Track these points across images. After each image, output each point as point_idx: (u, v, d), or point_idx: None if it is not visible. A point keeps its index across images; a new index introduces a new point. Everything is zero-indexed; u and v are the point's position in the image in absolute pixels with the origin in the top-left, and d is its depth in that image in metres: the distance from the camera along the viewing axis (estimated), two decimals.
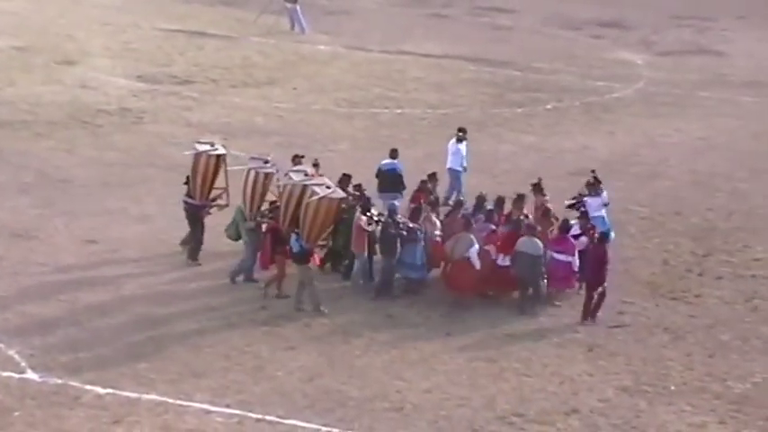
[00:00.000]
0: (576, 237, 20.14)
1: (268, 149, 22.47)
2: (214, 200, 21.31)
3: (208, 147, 21.33)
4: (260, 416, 16.35)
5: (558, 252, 19.87)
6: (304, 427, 16.12)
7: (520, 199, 20.82)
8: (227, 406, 16.56)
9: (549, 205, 20.92)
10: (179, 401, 16.60)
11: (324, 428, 16.10)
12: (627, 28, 42.14)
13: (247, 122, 29.98)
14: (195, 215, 21.18)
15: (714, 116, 31.97)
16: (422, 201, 20.85)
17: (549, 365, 17.99)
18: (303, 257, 19.43)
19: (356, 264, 20.47)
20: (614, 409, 16.77)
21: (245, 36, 37.97)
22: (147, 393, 16.78)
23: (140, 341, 18.38)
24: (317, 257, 20.07)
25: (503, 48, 38.62)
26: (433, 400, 16.89)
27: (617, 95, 33.59)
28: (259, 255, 20.40)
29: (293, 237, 19.38)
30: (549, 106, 32.24)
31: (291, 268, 19.75)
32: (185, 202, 21.30)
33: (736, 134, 30.33)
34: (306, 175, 20.28)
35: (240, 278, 20.54)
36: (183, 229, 21.50)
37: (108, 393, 16.74)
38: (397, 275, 20.22)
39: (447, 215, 20.91)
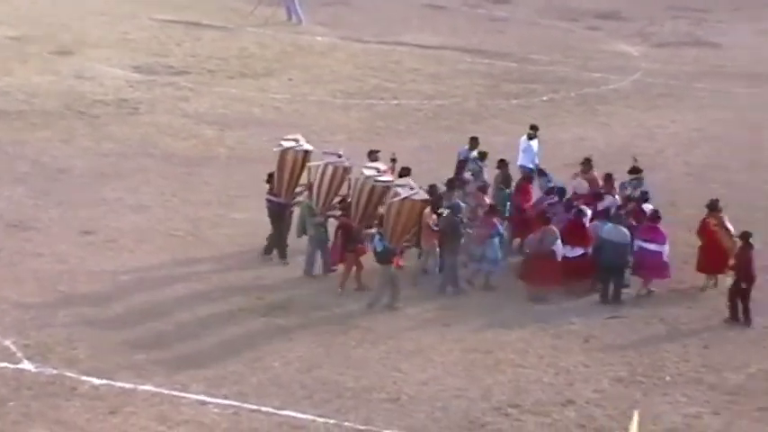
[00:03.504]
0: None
1: (337, 146, 22.31)
2: (294, 197, 20.93)
3: (293, 143, 21.00)
4: (256, 407, 16.38)
5: (646, 241, 19.90)
6: (300, 418, 16.16)
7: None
8: (224, 397, 16.59)
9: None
10: (175, 392, 16.63)
11: (320, 419, 16.14)
12: (623, 19, 42.10)
13: (244, 113, 29.96)
14: (280, 213, 20.87)
15: (709, 108, 31.98)
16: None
17: (545, 356, 18.04)
18: (387, 257, 19.37)
19: (429, 260, 20.37)
20: (610, 400, 16.82)
21: (241, 27, 37.90)
22: (144, 384, 16.81)
23: (137, 332, 18.41)
24: (399, 259, 19.77)
25: (499, 39, 38.58)
26: (430, 391, 16.93)
27: (613, 87, 33.57)
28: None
29: (377, 236, 19.35)
30: (545, 98, 32.23)
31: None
32: (269, 201, 20.93)
33: (731, 126, 30.35)
34: (378, 171, 20.19)
35: (317, 271, 20.31)
36: (177, 218, 21.48)
37: (104, 384, 16.78)
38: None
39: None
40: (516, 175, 22.70)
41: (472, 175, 22.24)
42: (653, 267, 20.07)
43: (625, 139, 28.89)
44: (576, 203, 20.80)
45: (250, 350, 17.95)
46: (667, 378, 17.48)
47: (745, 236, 19.41)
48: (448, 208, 20.16)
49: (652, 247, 19.94)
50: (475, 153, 22.93)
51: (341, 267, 20.17)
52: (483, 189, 21.42)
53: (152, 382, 16.87)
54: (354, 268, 19.98)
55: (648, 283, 20.21)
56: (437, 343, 18.37)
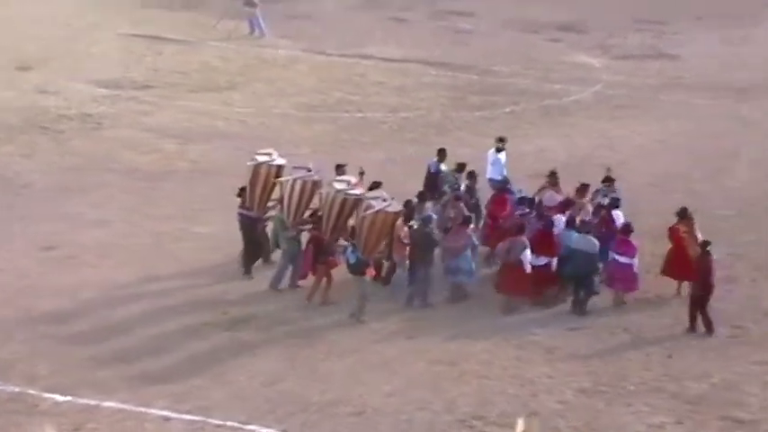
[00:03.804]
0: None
1: (305, 160, 22.35)
2: (267, 211, 20.99)
3: (267, 157, 21.05)
4: (221, 421, 16.32)
5: (619, 254, 20.07)
6: None
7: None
8: (188, 412, 16.52)
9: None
10: (139, 408, 16.54)
11: None
12: (585, 31, 42.36)
13: (208, 127, 29.90)
14: (252, 227, 20.91)
15: (671, 118, 32.23)
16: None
17: (509, 368, 18.08)
18: (360, 269, 19.40)
19: (398, 271, 20.43)
20: (573, 411, 16.88)
21: (203, 41, 37.84)
22: (107, 400, 16.70)
23: (100, 348, 18.30)
24: (372, 269, 19.92)
25: (463, 51, 38.73)
26: (395, 403, 16.93)
27: (575, 98, 33.78)
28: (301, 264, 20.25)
29: (349, 248, 19.39)
30: (507, 109, 32.38)
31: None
32: (241, 215, 20.96)
33: (693, 136, 30.60)
34: (348, 184, 20.27)
35: (284, 285, 20.37)
36: (139, 233, 21.41)
37: (66, 401, 16.66)
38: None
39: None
40: (485, 187, 22.81)
41: (450, 188, 22.32)
42: (624, 279, 20.28)
43: (587, 150, 29.06)
44: (547, 214, 20.93)
45: (214, 365, 17.88)
46: (630, 388, 17.56)
47: (704, 244, 19.60)
48: (420, 220, 20.24)
49: (623, 259, 20.14)
50: (443, 166, 23.03)
51: (309, 280, 20.15)
52: (460, 199, 21.52)
53: (115, 398, 16.77)
54: (324, 281, 19.98)
55: (622, 295, 20.36)
56: (402, 355, 18.38)
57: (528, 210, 21.19)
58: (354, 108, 31.96)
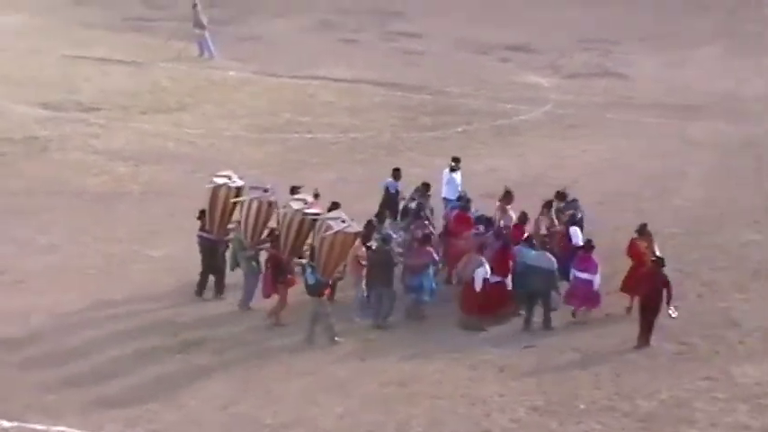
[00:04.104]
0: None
1: (265, 180, 22.31)
2: (227, 233, 20.91)
3: (226, 180, 20.99)
4: None
5: (581, 271, 20.20)
6: None
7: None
8: None
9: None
10: None
11: None
12: (534, 51, 42.73)
13: (158, 148, 29.79)
14: (213, 249, 20.83)
15: (620, 137, 32.56)
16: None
17: (461, 387, 18.13)
18: (318, 290, 19.37)
19: (357, 292, 20.43)
20: (525, 430, 16.95)
21: (153, 62, 37.73)
22: (56, 425, 16.53)
23: (49, 373, 18.11)
24: (329, 292, 19.89)
25: (414, 72, 38.91)
26: (347, 425, 16.91)
27: (525, 118, 34.04)
28: (261, 284, 20.21)
29: (308, 269, 19.36)
30: (459, 129, 32.55)
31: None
32: (201, 237, 20.88)
33: (641, 155, 30.93)
34: (305, 203, 20.27)
35: (253, 303, 20.36)
36: (90, 256, 21.24)
37: (14, 426, 16.47)
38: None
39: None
40: (439, 206, 22.91)
41: (415, 206, 22.42)
42: (585, 297, 20.44)
43: (539, 169, 29.27)
44: (504, 233, 21.04)
45: (167, 388, 17.77)
46: (582, 406, 17.66)
47: (658, 261, 19.78)
48: (380, 239, 20.31)
49: (585, 276, 20.29)
50: (398, 185, 23.15)
51: (267, 301, 20.08)
52: (421, 218, 21.63)
53: (65, 422, 16.61)
54: (279, 302, 19.95)
55: (584, 312, 20.54)
56: (355, 377, 18.37)
57: (485, 229, 21.28)
58: (304, 129, 31.98)
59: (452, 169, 24.45)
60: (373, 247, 20.24)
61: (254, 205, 20.39)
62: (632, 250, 20.95)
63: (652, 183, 28.56)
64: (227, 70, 37.57)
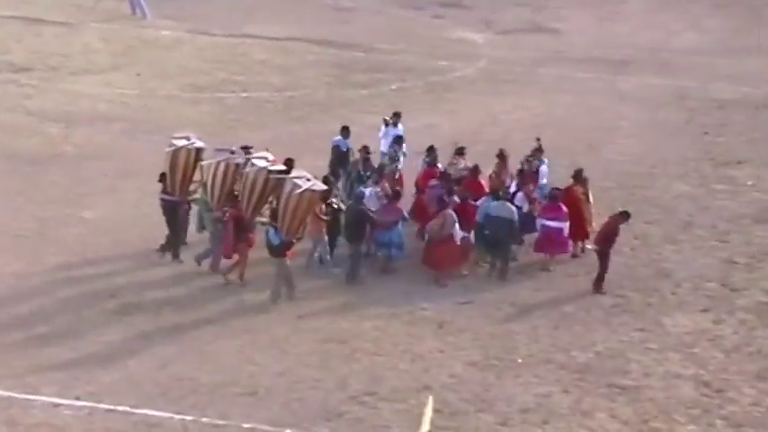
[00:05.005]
0: (514, 195, 21.12)
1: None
2: (189, 194, 20.75)
3: (185, 141, 20.74)
4: (111, 406, 16.18)
5: (550, 219, 20.51)
6: (156, 416, 16.02)
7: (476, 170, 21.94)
8: (77, 398, 16.34)
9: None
10: (25, 395, 16.30)
11: (177, 416, 16.03)
12: (467, 8, 42.79)
13: (90, 109, 29.47)
14: (175, 211, 20.65)
15: (552, 92, 32.80)
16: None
17: (400, 344, 18.28)
18: (282, 250, 19.27)
19: (317, 249, 20.46)
20: (464, 384, 17.15)
21: (84, 22, 37.23)
22: None
23: None
24: (293, 251, 19.75)
25: (346, 29, 38.80)
26: (286, 383, 16.99)
27: (459, 74, 34.13)
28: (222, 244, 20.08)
29: (272, 230, 19.21)
30: (393, 87, 32.57)
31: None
32: (163, 200, 20.67)
33: (573, 110, 31.21)
34: (267, 161, 20.12)
35: (205, 265, 20.26)
36: (23, 219, 21.01)
37: None
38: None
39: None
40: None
41: (390, 160, 22.61)
42: (557, 243, 20.83)
43: (473, 125, 29.41)
44: (459, 186, 21.24)
45: (103, 350, 17.71)
46: (519, 360, 17.90)
47: (625, 214, 20.22)
48: (354, 197, 20.39)
49: (555, 224, 20.62)
50: (348, 143, 23.19)
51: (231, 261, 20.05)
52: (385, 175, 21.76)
53: (0, 386, 16.50)
54: (240, 260, 19.90)
55: (549, 260, 20.94)
56: (292, 335, 18.44)
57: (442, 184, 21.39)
58: (239, 88, 31.81)
59: (387, 123, 24.59)
60: (334, 205, 20.27)
61: (222, 167, 20.25)
62: (569, 196, 21.17)
63: (584, 137, 28.84)
64: (160, 29, 37.18)
